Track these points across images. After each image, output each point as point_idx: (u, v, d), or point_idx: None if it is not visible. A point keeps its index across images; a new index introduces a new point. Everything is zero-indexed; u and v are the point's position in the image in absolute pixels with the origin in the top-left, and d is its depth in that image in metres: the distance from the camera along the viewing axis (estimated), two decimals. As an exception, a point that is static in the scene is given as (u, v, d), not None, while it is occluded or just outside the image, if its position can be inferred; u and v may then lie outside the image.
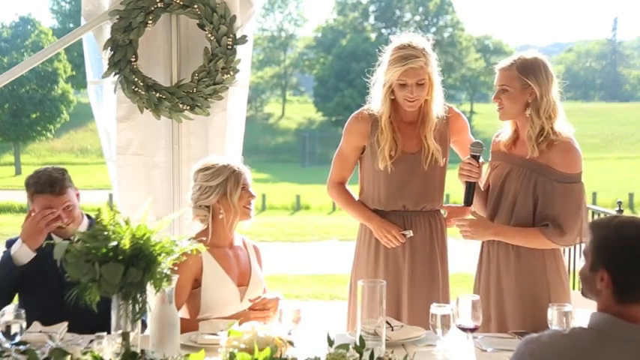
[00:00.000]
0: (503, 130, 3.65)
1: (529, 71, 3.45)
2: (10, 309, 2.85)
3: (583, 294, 2.37)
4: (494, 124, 3.74)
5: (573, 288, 5.39)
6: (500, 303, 3.54)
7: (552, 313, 2.94)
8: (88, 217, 3.69)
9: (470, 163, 3.54)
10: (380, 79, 3.72)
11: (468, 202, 3.60)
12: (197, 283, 3.46)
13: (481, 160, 3.56)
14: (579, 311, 2.97)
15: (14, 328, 2.79)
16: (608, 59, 58.00)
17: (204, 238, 3.26)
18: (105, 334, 2.62)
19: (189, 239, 2.79)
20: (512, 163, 3.55)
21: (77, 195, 3.64)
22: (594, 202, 17.65)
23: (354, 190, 3.94)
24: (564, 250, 3.77)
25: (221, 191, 3.50)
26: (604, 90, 56.86)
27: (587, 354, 2.17)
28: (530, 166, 3.48)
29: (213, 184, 3.50)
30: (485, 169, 3.66)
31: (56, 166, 3.70)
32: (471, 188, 3.57)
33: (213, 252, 3.42)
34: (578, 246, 5.01)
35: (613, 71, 57.49)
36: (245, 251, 3.65)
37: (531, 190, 3.47)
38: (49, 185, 3.52)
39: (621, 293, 2.21)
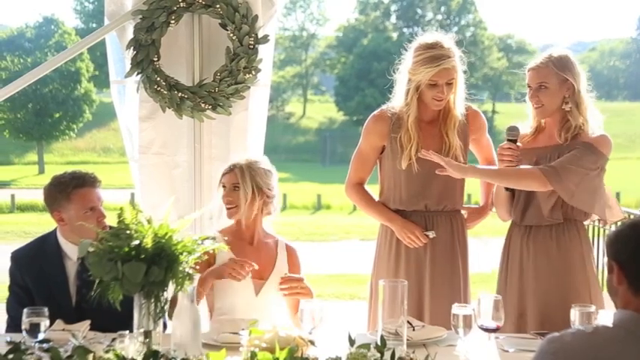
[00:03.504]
0: (526, 123, 3.69)
1: (564, 66, 3.54)
2: (33, 307, 2.87)
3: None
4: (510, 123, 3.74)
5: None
6: (540, 299, 3.55)
7: (575, 314, 2.93)
8: None
9: (510, 148, 3.54)
10: (404, 79, 3.71)
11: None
12: None
13: (518, 144, 3.57)
14: (603, 312, 2.95)
15: (38, 327, 2.81)
16: (632, 58, 57.43)
17: (224, 238, 3.25)
18: (127, 332, 2.63)
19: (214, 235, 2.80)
20: (537, 155, 3.59)
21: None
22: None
23: (373, 190, 3.93)
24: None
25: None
26: (628, 89, 56.28)
27: (610, 352, 2.15)
28: (559, 150, 3.54)
29: None
30: None
31: (95, 171, 3.63)
32: None
33: (232, 242, 3.46)
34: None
35: (637, 70, 56.89)
36: (273, 250, 3.66)
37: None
38: (90, 177, 3.49)
39: (636, 285, 2.20)
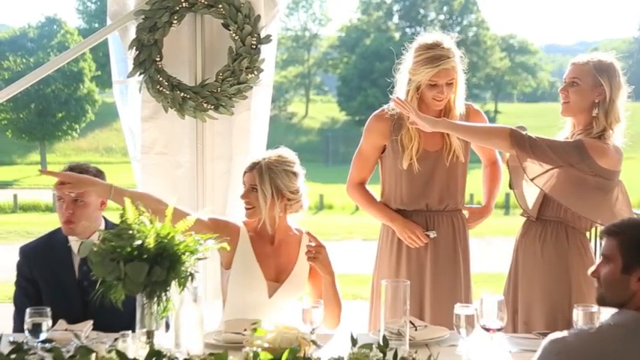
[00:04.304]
0: (564, 130, 3.64)
1: (604, 71, 3.45)
2: (35, 307, 2.87)
3: (602, 301, 2.34)
4: (518, 123, 3.73)
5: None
6: (526, 298, 3.56)
7: (578, 314, 2.92)
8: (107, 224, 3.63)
9: None
10: (404, 79, 3.71)
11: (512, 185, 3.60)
12: (229, 264, 3.46)
13: None
14: (605, 312, 2.95)
15: (40, 327, 2.82)
16: (634, 58, 57.29)
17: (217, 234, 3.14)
18: (130, 332, 2.64)
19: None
20: None
21: (102, 203, 3.57)
22: (620, 203, 17.34)
23: (374, 190, 3.92)
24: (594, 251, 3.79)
25: None
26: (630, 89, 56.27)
27: (612, 351, 2.15)
28: None
29: None
30: None
31: (99, 167, 3.64)
32: None
33: (254, 239, 3.46)
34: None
35: (639, 70, 56.90)
36: (294, 251, 3.54)
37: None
38: (69, 167, 3.51)
39: None
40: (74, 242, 3.54)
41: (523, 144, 3.42)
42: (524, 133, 3.44)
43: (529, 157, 3.43)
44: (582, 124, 3.52)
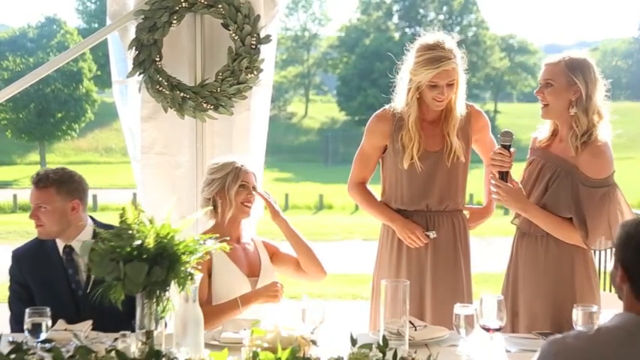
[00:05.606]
0: (542, 129, 3.63)
1: (577, 68, 3.43)
2: (35, 307, 2.87)
3: (619, 296, 2.36)
4: (518, 123, 3.76)
5: (603, 289, 5.34)
6: (528, 301, 3.53)
7: (577, 314, 2.92)
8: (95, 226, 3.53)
9: (501, 153, 3.50)
10: (405, 79, 3.71)
11: None
12: (209, 273, 3.57)
13: (512, 149, 3.51)
14: (607, 313, 2.95)
15: (39, 327, 2.82)
16: (634, 58, 57.32)
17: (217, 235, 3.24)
18: (129, 332, 2.63)
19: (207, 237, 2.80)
20: (547, 159, 3.54)
21: (73, 207, 3.48)
22: (620, 203, 17.32)
23: (375, 190, 3.93)
24: (594, 251, 3.77)
25: (220, 184, 3.62)
26: (630, 89, 56.13)
27: (612, 353, 2.15)
28: (562, 165, 3.47)
29: (216, 177, 3.63)
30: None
31: (74, 172, 3.57)
32: (503, 178, 3.54)
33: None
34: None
35: (639, 70, 56.81)
36: (254, 246, 3.74)
37: (562, 184, 3.46)
38: (37, 177, 3.48)
39: (637, 290, 2.20)
40: (60, 245, 3.53)
41: (595, 229, 3.40)
42: (583, 228, 3.40)
43: (599, 234, 3.42)
44: (566, 126, 3.50)
